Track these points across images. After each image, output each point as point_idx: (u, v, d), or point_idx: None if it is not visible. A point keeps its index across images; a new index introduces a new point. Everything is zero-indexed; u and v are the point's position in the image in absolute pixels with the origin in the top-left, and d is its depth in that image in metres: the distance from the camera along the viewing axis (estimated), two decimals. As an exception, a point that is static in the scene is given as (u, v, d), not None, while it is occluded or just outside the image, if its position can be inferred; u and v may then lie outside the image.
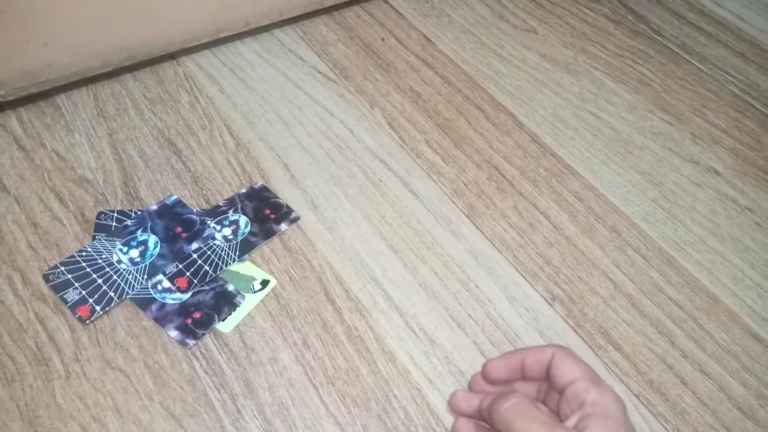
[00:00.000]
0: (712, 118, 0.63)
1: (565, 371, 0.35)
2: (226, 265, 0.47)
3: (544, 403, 0.38)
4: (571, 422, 0.33)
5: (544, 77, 0.65)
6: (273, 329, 0.44)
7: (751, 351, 0.46)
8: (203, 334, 0.43)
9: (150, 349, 0.43)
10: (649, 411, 0.43)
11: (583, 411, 0.33)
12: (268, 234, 0.49)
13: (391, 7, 0.71)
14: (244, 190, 0.52)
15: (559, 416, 0.35)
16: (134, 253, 0.47)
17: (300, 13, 0.66)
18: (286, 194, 0.52)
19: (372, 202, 0.52)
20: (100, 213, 0.49)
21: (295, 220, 0.50)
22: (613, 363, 0.45)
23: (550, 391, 0.37)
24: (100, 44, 0.56)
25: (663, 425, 0.42)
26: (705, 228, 0.54)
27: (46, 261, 0.46)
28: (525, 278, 0.49)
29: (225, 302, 0.45)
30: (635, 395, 0.43)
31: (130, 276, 0.45)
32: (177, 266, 0.46)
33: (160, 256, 0.47)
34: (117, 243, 0.47)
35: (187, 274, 0.46)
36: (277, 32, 0.66)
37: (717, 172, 0.58)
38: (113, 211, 0.49)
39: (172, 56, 0.62)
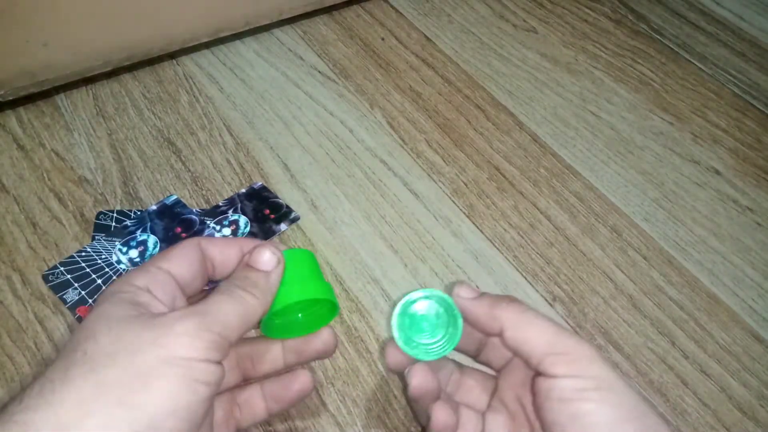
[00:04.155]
0: (712, 117, 0.63)
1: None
2: (225, 265, 0.47)
3: None
4: None
5: (545, 77, 0.65)
6: (273, 329, 0.44)
7: (752, 351, 0.46)
8: (203, 335, 0.43)
9: (149, 349, 0.42)
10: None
11: None
12: (267, 234, 0.49)
13: (391, 6, 0.71)
14: (243, 190, 0.52)
15: None
16: (134, 253, 0.46)
17: (300, 13, 0.66)
18: (285, 194, 0.52)
19: (372, 202, 0.52)
20: (99, 213, 0.49)
21: (295, 220, 0.50)
22: (614, 363, 0.45)
23: None
24: (99, 44, 0.56)
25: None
26: (706, 228, 0.53)
27: (45, 261, 0.46)
28: (525, 278, 0.49)
29: (225, 302, 0.45)
30: (636, 395, 0.43)
31: (130, 276, 0.45)
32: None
33: (159, 256, 0.47)
34: (116, 243, 0.47)
35: (187, 274, 0.46)
36: (277, 32, 0.66)
37: (718, 172, 0.58)
38: (113, 211, 0.49)
39: (172, 56, 0.62)
